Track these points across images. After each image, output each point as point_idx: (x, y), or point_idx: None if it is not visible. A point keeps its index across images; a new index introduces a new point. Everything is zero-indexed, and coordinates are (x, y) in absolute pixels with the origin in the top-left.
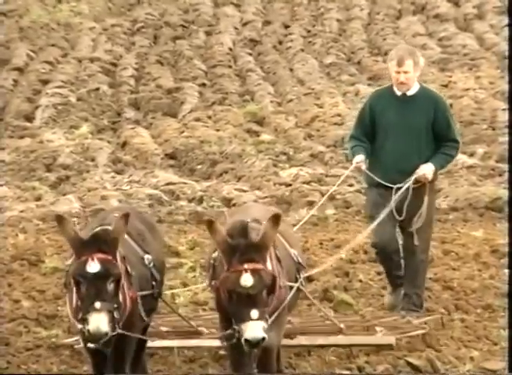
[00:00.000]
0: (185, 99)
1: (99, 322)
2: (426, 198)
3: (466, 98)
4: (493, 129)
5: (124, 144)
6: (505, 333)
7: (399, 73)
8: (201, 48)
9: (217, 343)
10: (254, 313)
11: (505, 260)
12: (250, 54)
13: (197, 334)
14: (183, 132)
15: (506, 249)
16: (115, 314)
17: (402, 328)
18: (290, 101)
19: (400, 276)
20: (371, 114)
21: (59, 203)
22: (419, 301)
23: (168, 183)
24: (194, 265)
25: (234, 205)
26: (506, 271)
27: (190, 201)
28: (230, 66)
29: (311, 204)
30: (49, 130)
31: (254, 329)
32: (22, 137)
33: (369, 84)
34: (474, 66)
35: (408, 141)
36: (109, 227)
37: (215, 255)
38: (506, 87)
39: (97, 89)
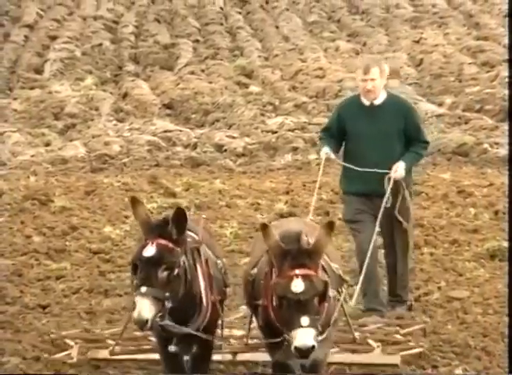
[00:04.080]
0: (180, 54)
1: (142, 307)
2: (401, 195)
3: (435, 53)
4: (460, 81)
5: (125, 95)
6: (470, 265)
7: (365, 80)
8: (195, 7)
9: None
10: (305, 320)
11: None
12: (240, 13)
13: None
14: (178, 84)
15: (472, 190)
16: (167, 304)
17: (396, 343)
18: (276, 56)
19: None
20: (339, 124)
21: (66, 148)
22: (406, 294)
23: (165, 131)
24: (189, 204)
25: (225, 150)
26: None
27: (185, 147)
28: (221, 24)
29: (295, 150)
30: (57, 82)
31: (304, 336)
32: (32, 88)
33: (348, 41)
34: (443, 24)
35: (380, 149)
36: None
37: (254, 271)
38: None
39: (101, 44)
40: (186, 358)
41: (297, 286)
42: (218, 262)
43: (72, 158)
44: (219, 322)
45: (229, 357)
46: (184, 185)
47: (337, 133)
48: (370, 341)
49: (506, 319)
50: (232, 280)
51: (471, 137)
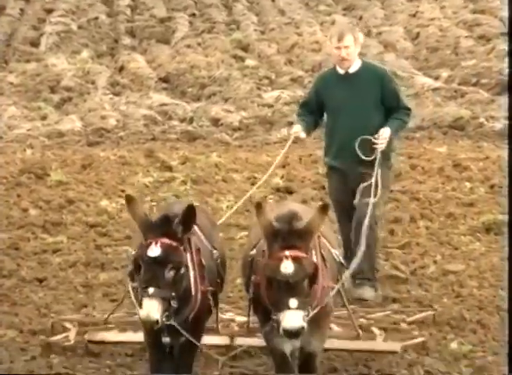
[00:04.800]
0: (176, 28)
1: (150, 308)
2: (379, 170)
3: (432, 27)
4: (456, 55)
5: (121, 69)
6: (465, 238)
7: (339, 48)
8: None
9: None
10: (293, 302)
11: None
12: None
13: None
14: (174, 58)
15: (468, 163)
16: (173, 303)
17: (399, 332)
18: (272, 29)
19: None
20: (317, 97)
21: (63, 122)
22: (372, 273)
23: (161, 105)
24: (185, 179)
25: (222, 124)
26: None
27: (181, 120)
28: None
29: (291, 124)
30: (53, 55)
31: (292, 318)
32: (28, 62)
33: (344, 14)
34: None
35: (358, 119)
36: (178, 213)
37: (253, 252)
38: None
39: (97, 18)
40: (174, 347)
41: (287, 267)
42: (214, 252)
43: (68, 131)
44: (213, 311)
45: (226, 341)
46: (180, 159)
47: (316, 107)
48: (374, 329)
49: (502, 292)
50: (229, 253)
51: (467, 110)
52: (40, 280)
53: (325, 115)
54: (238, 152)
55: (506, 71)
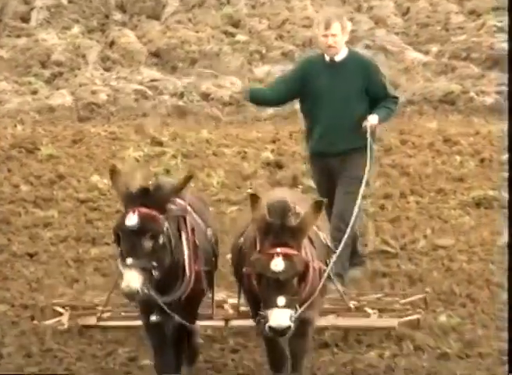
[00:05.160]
0: (167, 3)
1: (130, 279)
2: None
3: (422, 2)
4: (446, 30)
5: (112, 44)
6: (455, 213)
7: (326, 36)
8: None
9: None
10: (281, 300)
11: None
12: None
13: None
14: (165, 33)
15: (458, 138)
16: (154, 273)
17: (393, 311)
18: (263, 4)
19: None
20: (301, 81)
21: (54, 97)
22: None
23: (152, 80)
24: (176, 153)
25: (212, 99)
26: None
27: (172, 95)
28: None
29: None
30: (43, 30)
31: (278, 317)
32: (19, 36)
33: None
34: None
35: (341, 108)
36: (161, 183)
37: (241, 240)
38: None
39: None
40: (166, 326)
41: (277, 265)
42: (208, 231)
43: (59, 106)
44: (207, 292)
45: (221, 324)
46: (171, 134)
47: (297, 88)
48: (367, 309)
49: (492, 266)
50: (219, 228)
51: (458, 85)
52: (32, 255)
53: (306, 101)
54: (229, 128)
55: (497, 46)
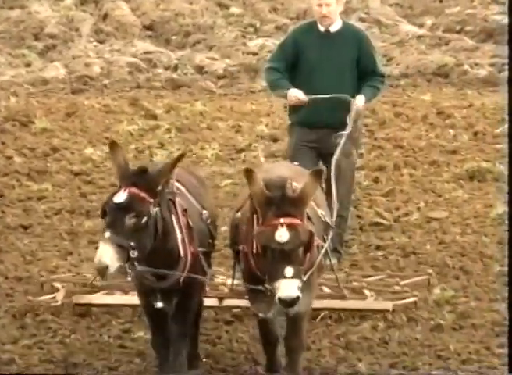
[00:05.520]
0: None
1: (102, 253)
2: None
3: None
4: (440, 2)
5: (105, 16)
6: (448, 185)
7: (321, 5)
8: None
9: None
10: (289, 271)
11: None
12: None
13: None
14: (159, 5)
15: (452, 111)
16: (132, 253)
17: (392, 293)
18: None
19: None
20: (294, 49)
21: (47, 69)
22: (340, 245)
23: (146, 52)
24: (170, 127)
25: (206, 72)
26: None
27: (165, 68)
28: None
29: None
30: (36, 2)
31: (288, 287)
32: (12, 8)
33: None
34: None
35: (332, 78)
36: (156, 166)
37: (238, 215)
38: None
39: None
40: (168, 309)
41: (282, 235)
42: (204, 212)
43: (52, 79)
44: (207, 273)
45: (215, 302)
46: (165, 107)
47: (291, 60)
48: (365, 291)
49: (485, 238)
50: (214, 201)
51: (452, 58)
52: (26, 227)
53: (299, 71)
54: (223, 100)
55: (491, 18)
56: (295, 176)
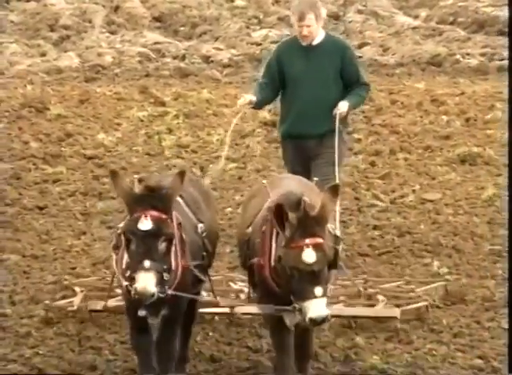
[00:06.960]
0: None
1: (147, 281)
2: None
3: None
4: None
5: (117, 8)
6: (442, 169)
7: (301, 27)
8: None
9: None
10: (318, 291)
11: None
12: None
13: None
14: None
15: (445, 98)
16: (165, 276)
17: (404, 298)
18: None
19: None
20: (278, 65)
21: (61, 58)
22: None
23: (155, 43)
24: (178, 113)
25: (212, 61)
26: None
27: (174, 58)
28: None
29: None
30: None
31: (318, 307)
32: (28, 1)
33: None
34: None
35: (317, 90)
36: (164, 184)
37: (249, 230)
38: None
39: None
40: (155, 320)
41: (309, 256)
42: (200, 226)
43: (66, 68)
44: (198, 286)
45: (226, 309)
46: (173, 95)
47: (278, 76)
48: (379, 297)
49: (476, 219)
50: (219, 184)
51: (445, 48)
52: (41, 208)
53: (285, 84)
54: (228, 88)
55: (482, 10)
56: (305, 190)
